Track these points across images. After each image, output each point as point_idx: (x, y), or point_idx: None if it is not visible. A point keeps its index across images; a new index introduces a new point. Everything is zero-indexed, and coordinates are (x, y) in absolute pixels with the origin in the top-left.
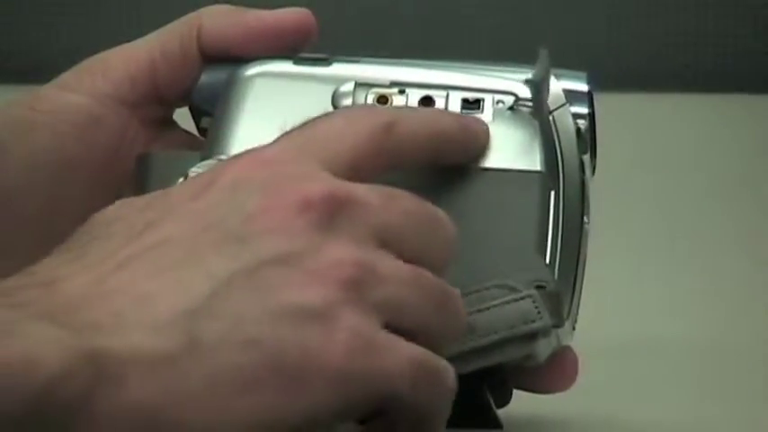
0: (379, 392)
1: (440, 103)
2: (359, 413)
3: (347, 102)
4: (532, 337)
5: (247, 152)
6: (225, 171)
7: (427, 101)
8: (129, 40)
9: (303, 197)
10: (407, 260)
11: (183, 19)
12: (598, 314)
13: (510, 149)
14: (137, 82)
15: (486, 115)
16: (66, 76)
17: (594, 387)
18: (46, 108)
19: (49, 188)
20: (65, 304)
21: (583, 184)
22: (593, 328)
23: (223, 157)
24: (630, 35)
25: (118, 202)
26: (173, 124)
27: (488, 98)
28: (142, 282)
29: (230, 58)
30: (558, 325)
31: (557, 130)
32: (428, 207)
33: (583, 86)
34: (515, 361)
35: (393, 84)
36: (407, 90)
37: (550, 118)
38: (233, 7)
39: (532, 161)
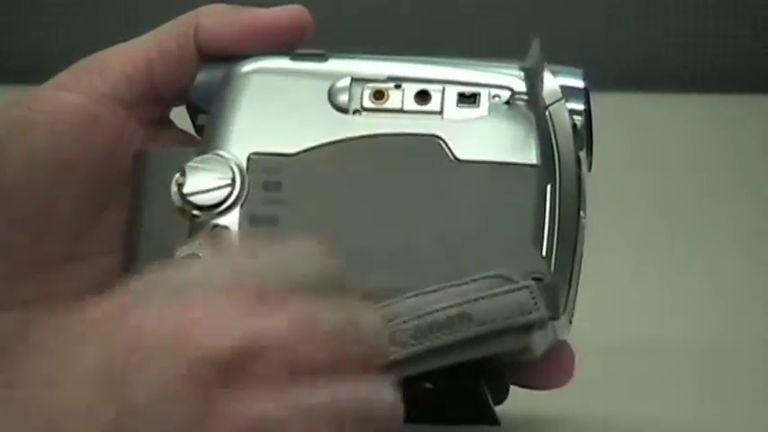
0: None
1: (436, 98)
2: None
3: (344, 97)
4: (529, 328)
5: None
6: None
7: (423, 95)
8: (127, 40)
9: None
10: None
11: (180, 18)
12: (597, 314)
13: (506, 143)
14: (134, 81)
15: (482, 109)
16: (63, 76)
17: (592, 386)
18: (43, 108)
19: (47, 187)
20: None
21: (579, 178)
22: (592, 328)
23: (220, 152)
24: (630, 35)
25: None
26: (170, 123)
27: (485, 92)
28: None
29: (227, 56)
30: (555, 317)
31: (553, 125)
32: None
33: (579, 83)
34: (511, 353)
35: (389, 78)
36: (404, 85)
37: (546, 113)
38: (230, 6)
39: (528, 155)
